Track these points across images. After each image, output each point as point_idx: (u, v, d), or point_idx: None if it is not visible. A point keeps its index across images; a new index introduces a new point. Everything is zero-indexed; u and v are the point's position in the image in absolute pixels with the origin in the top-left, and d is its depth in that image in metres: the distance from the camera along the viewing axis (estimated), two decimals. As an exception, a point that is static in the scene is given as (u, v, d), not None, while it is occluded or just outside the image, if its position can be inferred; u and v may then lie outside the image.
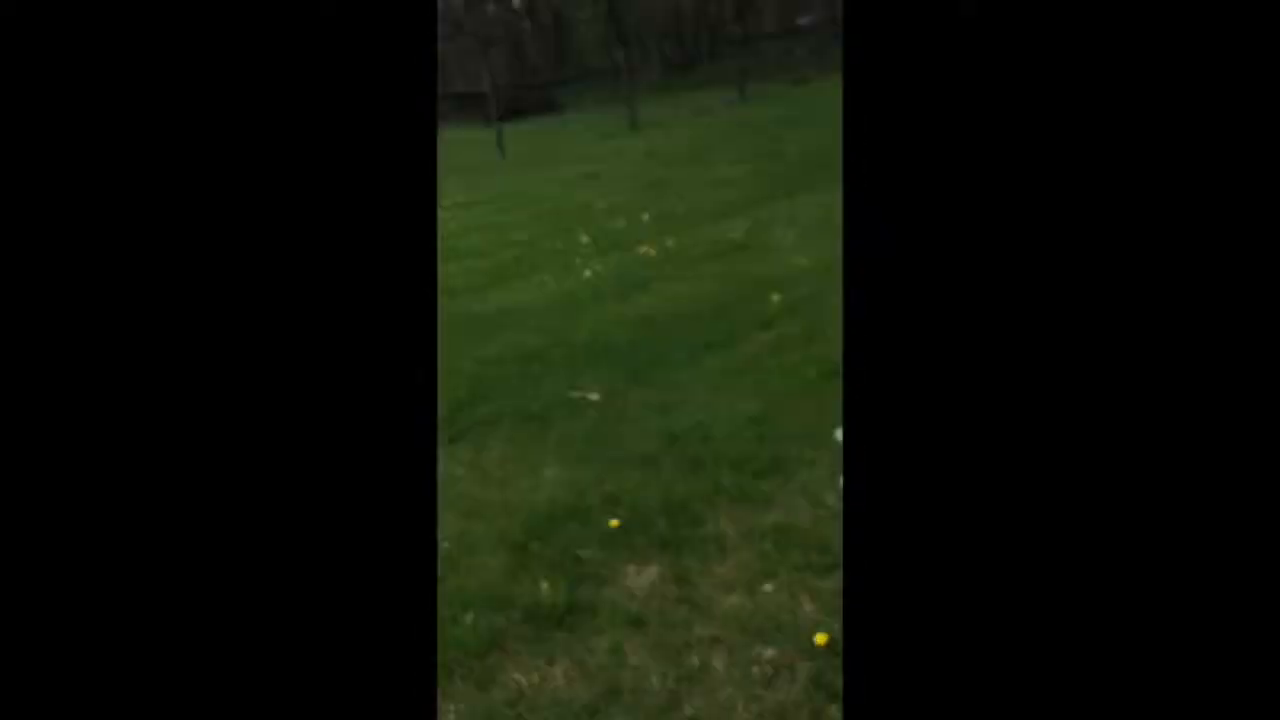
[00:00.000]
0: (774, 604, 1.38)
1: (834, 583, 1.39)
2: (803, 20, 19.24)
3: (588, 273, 3.93)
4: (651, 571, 1.53)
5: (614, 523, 1.69)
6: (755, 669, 1.25)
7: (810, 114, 8.89)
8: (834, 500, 1.64)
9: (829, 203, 4.18)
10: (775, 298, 3.05)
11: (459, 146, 14.66)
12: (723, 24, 22.98)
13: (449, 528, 1.73)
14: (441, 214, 6.72)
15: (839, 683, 1.15)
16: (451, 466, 2.09)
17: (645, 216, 4.92)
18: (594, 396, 2.46)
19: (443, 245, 5.29)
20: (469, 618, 1.45)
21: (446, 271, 4.46)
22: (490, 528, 1.76)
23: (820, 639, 1.26)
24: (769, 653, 1.28)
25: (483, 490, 1.96)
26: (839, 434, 1.75)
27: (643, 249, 4.19)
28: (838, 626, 1.26)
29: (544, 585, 1.50)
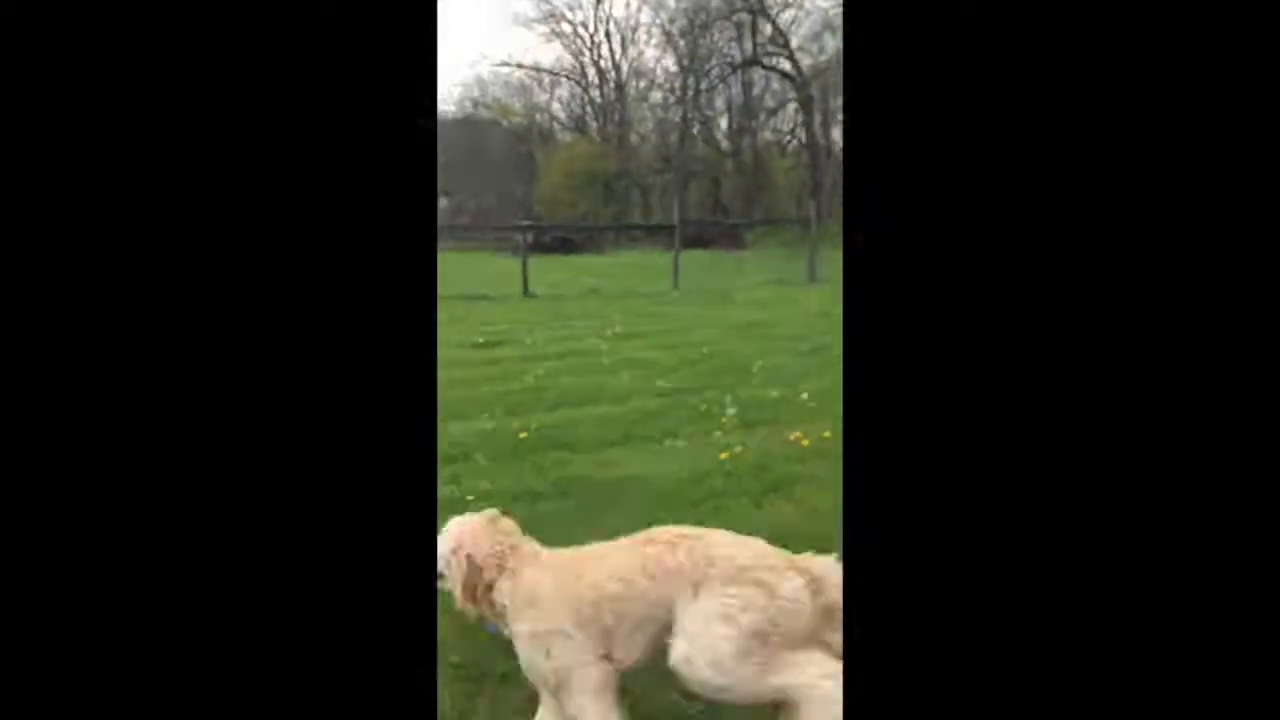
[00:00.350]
0: None
1: None
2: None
3: (724, 455, 3.45)
4: None
5: None
6: None
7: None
8: None
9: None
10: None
11: (638, 270, 15.04)
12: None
13: None
14: (602, 344, 6.60)
15: None
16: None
17: (804, 394, 4.41)
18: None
19: (591, 382, 5.06)
20: None
21: (577, 417, 4.16)
22: None
23: None
24: None
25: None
26: None
27: (794, 435, 3.66)
28: None
29: None
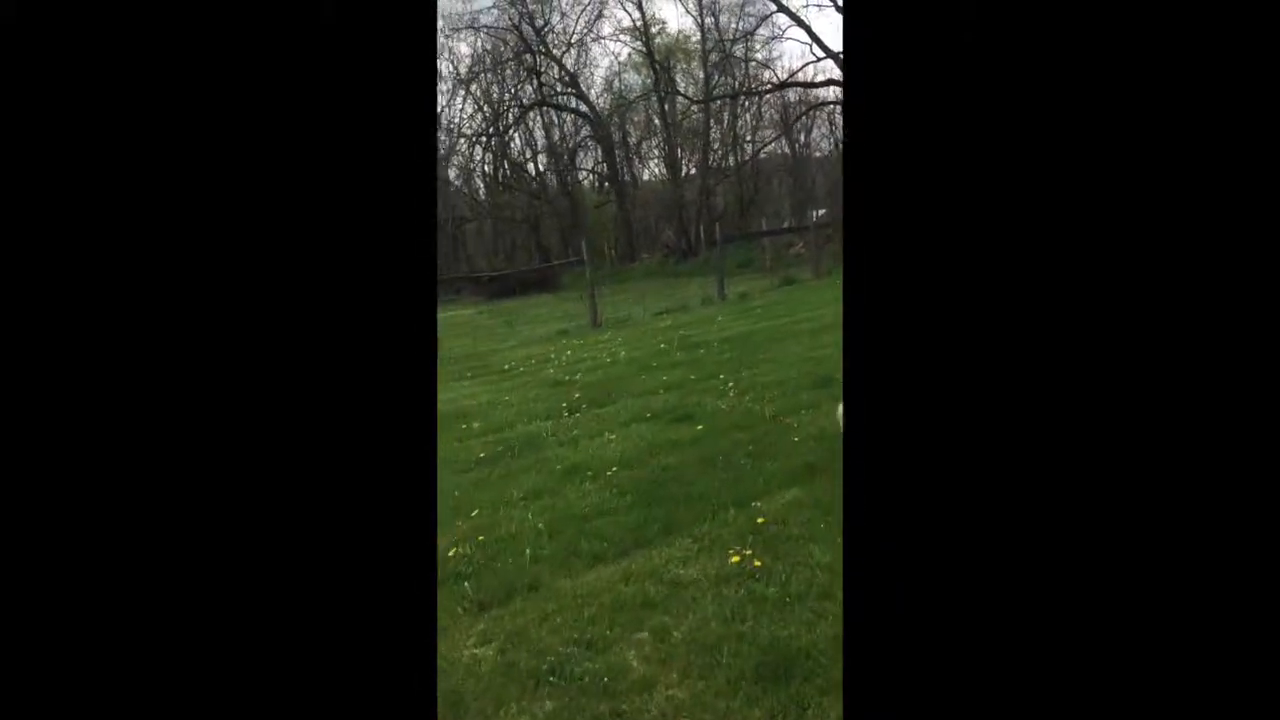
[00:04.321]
0: None
1: None
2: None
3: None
4: None
5: None
6: None
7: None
8: None
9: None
10: None
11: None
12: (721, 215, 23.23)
13: None
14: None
15: None
16: None
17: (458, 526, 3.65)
18: None
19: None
20: None
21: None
22: None
23: None
24: None
25: None
26: None
27: (452, 552, 2.91)
28: None
29: None
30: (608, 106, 25.86)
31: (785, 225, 21.71)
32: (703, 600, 2.35)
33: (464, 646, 2.28)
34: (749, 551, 2.63)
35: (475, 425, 5.23)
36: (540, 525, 3.15)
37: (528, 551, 2.90)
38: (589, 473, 3.79)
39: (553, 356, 8.19)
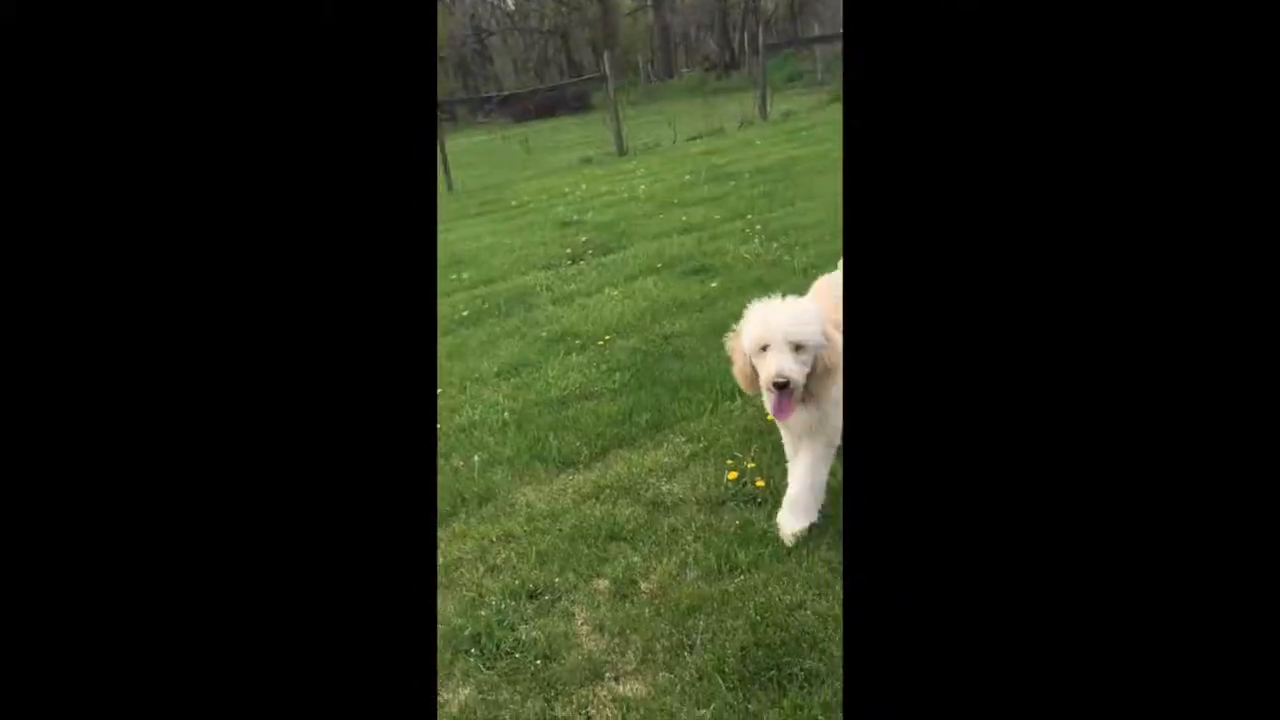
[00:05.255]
0: None
1: None
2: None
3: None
4: None
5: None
6: None
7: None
8: None
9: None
10: None
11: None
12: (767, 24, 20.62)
13: None
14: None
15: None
16: None
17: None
18: None
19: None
20: None
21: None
22: None
23: None
24: None
25: None
26: None
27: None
28: None
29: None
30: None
31: (843, 30, 19.29)
32: (684, 535, 1.82)
33: (381, 588, 1.82)
34: (752, 464, 2.06)
35: (465, 276, 4.63)
36: (507, 414, 2.62)
37: (483, 451, 2.39)
38: (577, 341, 3.21)
39: (568, 190, 7.37)
